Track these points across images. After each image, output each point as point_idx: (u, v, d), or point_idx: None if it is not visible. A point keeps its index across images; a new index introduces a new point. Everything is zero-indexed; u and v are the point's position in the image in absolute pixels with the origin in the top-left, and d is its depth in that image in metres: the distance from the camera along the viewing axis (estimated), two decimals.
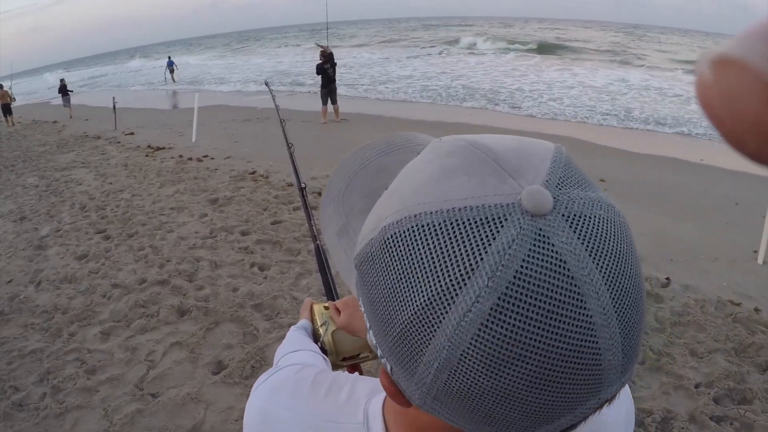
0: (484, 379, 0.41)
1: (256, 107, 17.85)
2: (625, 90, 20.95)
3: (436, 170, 0.47)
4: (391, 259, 0.45)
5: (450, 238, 0.42)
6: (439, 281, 0.41)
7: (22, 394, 3.95)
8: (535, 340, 0.39)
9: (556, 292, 0.39)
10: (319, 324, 1.29)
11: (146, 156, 12.34)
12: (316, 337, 1.29)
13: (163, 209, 8.04)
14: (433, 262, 0.42)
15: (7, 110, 23.65)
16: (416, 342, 0.44)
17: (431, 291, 0.42)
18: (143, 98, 27.77)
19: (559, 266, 0.39)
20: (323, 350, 1.24)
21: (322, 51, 15.23)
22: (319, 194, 7.89)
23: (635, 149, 11.66)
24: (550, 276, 0.39)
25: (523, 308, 0.39)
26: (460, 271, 0.41)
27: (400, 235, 0.45)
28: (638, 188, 8.10)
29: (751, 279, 5.33)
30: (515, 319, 0.39)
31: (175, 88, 31.96)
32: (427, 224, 0.43)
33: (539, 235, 0.40)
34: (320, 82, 15.19)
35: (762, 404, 3.45)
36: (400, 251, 0.44)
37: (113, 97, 19.18)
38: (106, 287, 5.58)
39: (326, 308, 1.33)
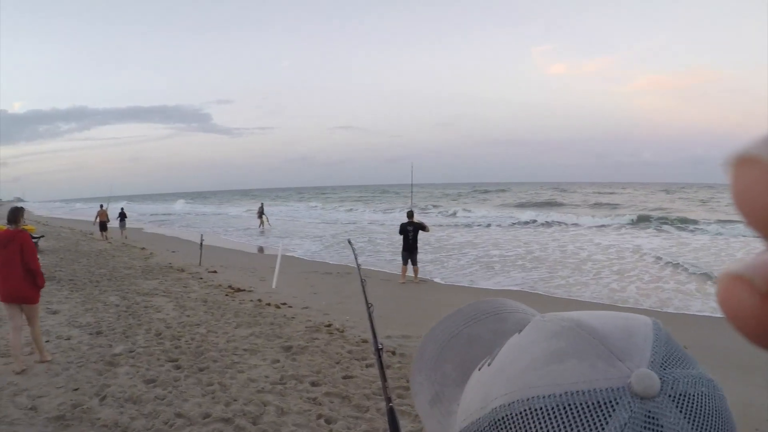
0: None
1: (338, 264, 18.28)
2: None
3: (544, 352, 0.49)
4: None
5: (563, 423, 0.43)
6: None
7: None
8: None
9: None
10: None
11: (226, 295, 12.74)
12: None
13: (236, 349, 8.18)
14: None
15: (104, 227, 27.88)
16: None
17: None
18: (231, 239, 29.01)
19: None
20: None
21: (408, 212, 15.98)
22: (393, 353, 7.89)
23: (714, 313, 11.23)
24: None
25: None
26: None
27: (513, 418, 0.47)
28: (720, 354, 7.64)
29: None
30: None
31: (263, 235, 33.15)
32: (540, 408, 0.45)
33: (649, 418, 0.42)
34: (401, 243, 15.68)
35: None
36: None
37: (201, 235, 20.23)
38: (170, 415, 5.63)
39: None
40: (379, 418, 5.69)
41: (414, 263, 15.51)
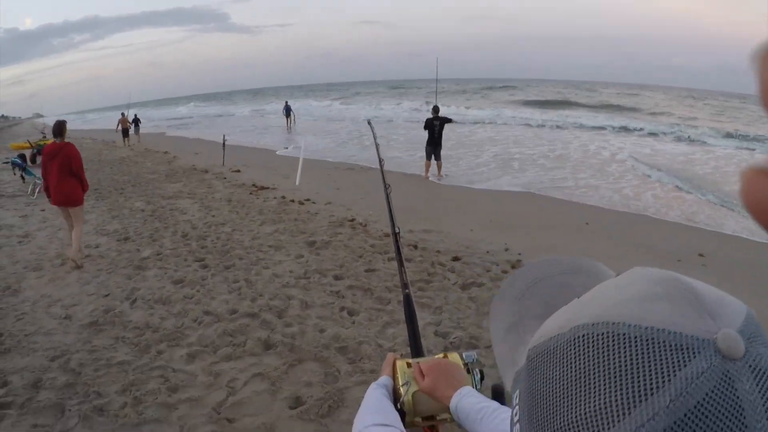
0: None
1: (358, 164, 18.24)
2: None
3: (640, 293, 0.50)
4: (575, 357, 0.49)
5: (642, 353, 0.44)
6: (621, 390, 0.44)
7: (105, 400, 4.21)
8: None
9: None
10: (401, 383, 1.36)
11: (250, 194, 12.94)
12: (396, 395, 1.36)
13: (261, 246, 8.39)
14: (620, 370, 0.45)
15: (126, 134, 29.66)
16: None
17: (609, 397, 0.44)
18: (254, 139, 29.03)
19: (737, 412, 0.41)
20: (401, 411, 1.31)
21: (433, 107, 15.74)
22: (415, 247, 8.01)
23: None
24: (726, 417, 0.41)
25: None
26: (644, 385, 0.43)
27: (592, 338, 0.48)
28: (735, 264, 7.68)
29: None
30: None
31: (287, 133, 33.02)
32: (623, 334, 0.46)
33: (725, 377, 0.42)
34: (426, 138, 15.58)
35: None
36: (588, 352, 0.48)
37: (224, 135, 20.22)
38: (198, 313, 5.87)
39: (409, 365, 1.41)
40: (400, 310, 5.83)
41: (438, 158, 15.50)
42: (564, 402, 0.48)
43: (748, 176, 0.25)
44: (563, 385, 0.49)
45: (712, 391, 0.41)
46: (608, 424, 0.44)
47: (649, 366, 0.43)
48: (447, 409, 1.29)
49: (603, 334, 0.47)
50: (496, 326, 0.73)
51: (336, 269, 7.21)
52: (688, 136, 26.63)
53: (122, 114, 31.03)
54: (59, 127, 7.85)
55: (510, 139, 24.92)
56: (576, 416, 0.46)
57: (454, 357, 1.43)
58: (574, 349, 0.49)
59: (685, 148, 22.95)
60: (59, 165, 7.65)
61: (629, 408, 0.43)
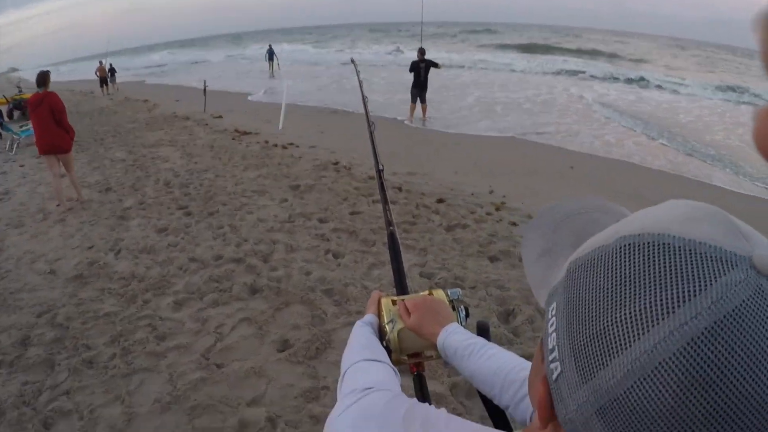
0: (668, 397, 0.45)
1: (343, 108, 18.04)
2: None
3: (682, 214, 0.52)
4: (621, 263, 0.51)
5: (686, 260, 0.47)
6: (666, 291, 0.46)
7: (93, 352, 4.22)
8: (735, 372, 0.43)
9: (763, 340, 0.43)
10: (386, 321, 1.36)
11: (233, 139, 12.80)
12: (381, 333, 1.36)
13: (245, 191, 8.34)
14: (665, 274, 0.47)
15: (104, 82, 29.67)
16: (614, 343, 0.48)
17: (654, 298, 0.47)
18: (236, 84, 28.61)
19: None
20: (387, 349, 1.30)
21: (419, 49, 15.45)
22: (400, 189, 7.99)
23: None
24: (759, 324, 0.43)
25: (732, 339, 0.43)
26: (688, 288, 0.45)
27: (639, 246, 0.50)
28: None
29: None
30: (723, 346, 0.43)
31: (270, 78, 32.49)
32: (668, 244, 0.48)
33: (759, 288, 0.44)
34: (412, 80, 15.35)
35: None
36: (633, 258, 0.50)
37: (204, 80, 19.86)
38: (183, 260, 5.86)
39: (394, 303, 1.41)
40: (385, 251, 5.83)
41: (423, 101, 15.36)
42: (608, 305, 0.50)
43: (762, 117, 0.23)
44: (608, 289, 0.50)
45: (748, 300, 0.44)
46: (652, 322, 0.46)
47: (693, 272, 0.46)
48: (433, 347, 1.29)
49: (649, 243, 0.50)
50: (527, 252, 0.75)
51: (320, 212, 7.19)
52: (673, 88, 26.16)
53: (100, 62, 30.55)
54: (42, 77, 8.02)
55: (495, 83, 24.70)
56: (621, 316, 0.48)
57: (439, 294, 1.43)
58: (620, 256, 0.51)
59: (669, 97, 22.83)
60: (43, 114, 7.88)
61: (673, 308, 0.45)
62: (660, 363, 0.45)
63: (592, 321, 0.50)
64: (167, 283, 5.37)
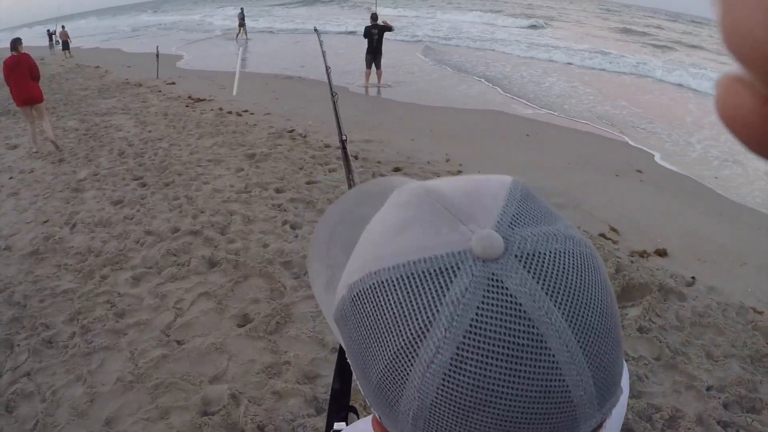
0: (456, 425, 0.41)
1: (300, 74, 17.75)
2: None
3: (394, 223, 0.48)
4: (360, 317, 0.46)
5: (407, 293, 0.42)
6: (402, 335, 0.42)
7: (52, 331, 4.14)
8: (499, 384, 0.39)
9: (514, 336, 0.39)
10: None
11: (186, 106, 12.53)
12: None
13: (200, 161, 8.20)
14: (395, 317, 0.43)
15: (66, 46, 30.62)
16: (392, 392, 0.44)
17: (396, 345, 0.42)
18: (191, 49, 27.91)
19: (515, 309, 0.40)
20: None
21: (372, 14, 15.10)
22: (356, 157, 7.96)
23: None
24: (505, 320, 0.39)
25: (482, 355, 0.39)
26: (419, 324, 0.41)
27: (364, 293, 0.46)
28: (677, 181, 7.90)
29: None
30: (476, 366, 0.39)
31: (234, 42, 31.38)
32: (386, 280, 0.44)
33: (492, 280, 0.40)
34: (366, 46, 15.09)
35: None
36: (366, 308, 0.46)
37: (156, 46, 19.31)
38: (140, 234, 5.75)
39: None
40: None
41: (378, 67, 15.04)
42: (368, 359, 0.46)
43: (724, 84, 0.22)
44: (362, 344, 0.47)
45: (483, 302, 0.40)
46: (405, 371, 0.42)
47: (417, 303, 0.42)
48: None
49: (370, 287, 0.45)
50: (316, 288, 0.67)
51: (277, 182, 7.11)
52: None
53: (62, 27, 32.34)
54: (14, 43, 9.35)
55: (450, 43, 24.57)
56: (380, 370, 0.44)
57: None
58: (356, 309, 0.47)
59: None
60: (22, 72, 9.23)
61: (415, 351, 0.41)
62: (432, 403, 0.41)
63: (367, 375, 0.47)
64: (124, 258, 5.26)
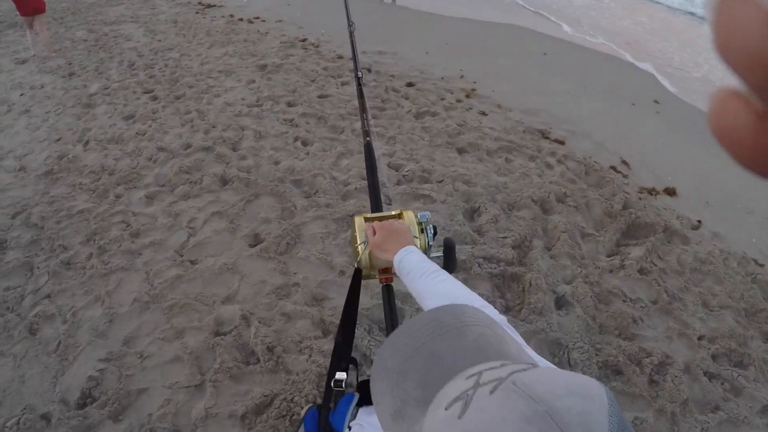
0: None
1: None
2: None
3: None
4: None
5: None
6: None
7: (70, 253, 4.24)
8: None
9: None
10: (358, 241, 1.51)
11: (196, 13, 12.22)
12: (354, 253, 1.53)
13: (211, 72, 8.10)
14: None
15: None
16: None
17: None
18: None
19: None
20: (358, 269, 1.51)
21: None
22: (369, 70, 7.83)
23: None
24: None
25: None
26: None
27: None
28: (695, 117, 7.64)
29: None
30: None
31: None
32: None
33: None
34: None
35: (756, 372, 3.45)
36: None
37: None
38: (152, 150, 5.77)
39: (366, 220, 1.57)
40: (354, 139, 5.85)
41: None
42: None
43: (719, 98, 0.22)
44: None
45: None
46: None
47: None
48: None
49: None
50: (381, 411, 0.67)
51: (288, 95, 7.03)
52: None
53: None
54: None
55: None
56: None
57: (408, 215, 1.57)
58: None
59: None
60: None
61: None
62: None
63: None
64: (137, 176, 5.31)
